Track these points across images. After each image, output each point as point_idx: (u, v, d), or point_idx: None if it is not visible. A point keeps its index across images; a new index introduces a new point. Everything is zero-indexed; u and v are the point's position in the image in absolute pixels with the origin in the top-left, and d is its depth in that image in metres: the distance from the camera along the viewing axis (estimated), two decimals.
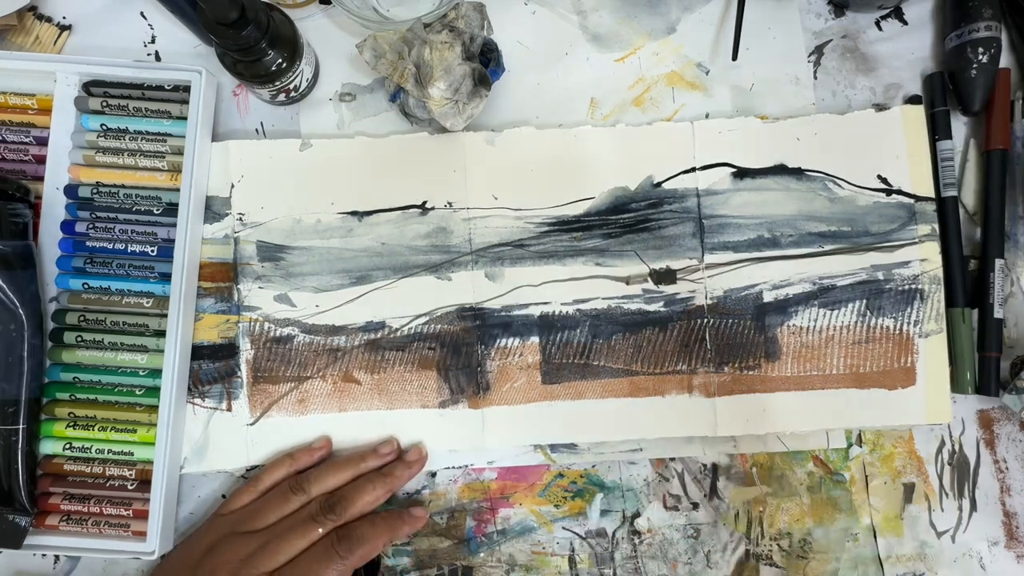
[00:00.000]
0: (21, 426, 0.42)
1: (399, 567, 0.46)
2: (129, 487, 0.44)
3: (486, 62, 0.46)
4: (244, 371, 0.46)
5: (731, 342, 0.46)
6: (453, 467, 0.46)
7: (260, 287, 0.46)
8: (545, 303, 0.46)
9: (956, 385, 0.46)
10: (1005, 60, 0.48)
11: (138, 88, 0.46)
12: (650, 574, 0.46)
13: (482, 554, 0.46)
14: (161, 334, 0.44)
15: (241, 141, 0.47)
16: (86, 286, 0.45)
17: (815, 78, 0.49)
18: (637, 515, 0.46)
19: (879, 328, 0.46)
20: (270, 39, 0.41)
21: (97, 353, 0.45)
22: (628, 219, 0.47)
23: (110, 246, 0.45)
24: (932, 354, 0.46)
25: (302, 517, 0.41)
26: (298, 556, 0.40)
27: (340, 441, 0.46)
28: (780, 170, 0.47)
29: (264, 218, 0.46)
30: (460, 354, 0.46)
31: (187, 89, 0.45)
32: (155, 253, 0.45)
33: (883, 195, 0.47)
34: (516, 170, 0.47)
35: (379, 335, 0.46)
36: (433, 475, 0.46)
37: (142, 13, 0.49)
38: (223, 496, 0.46)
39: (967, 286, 0.46)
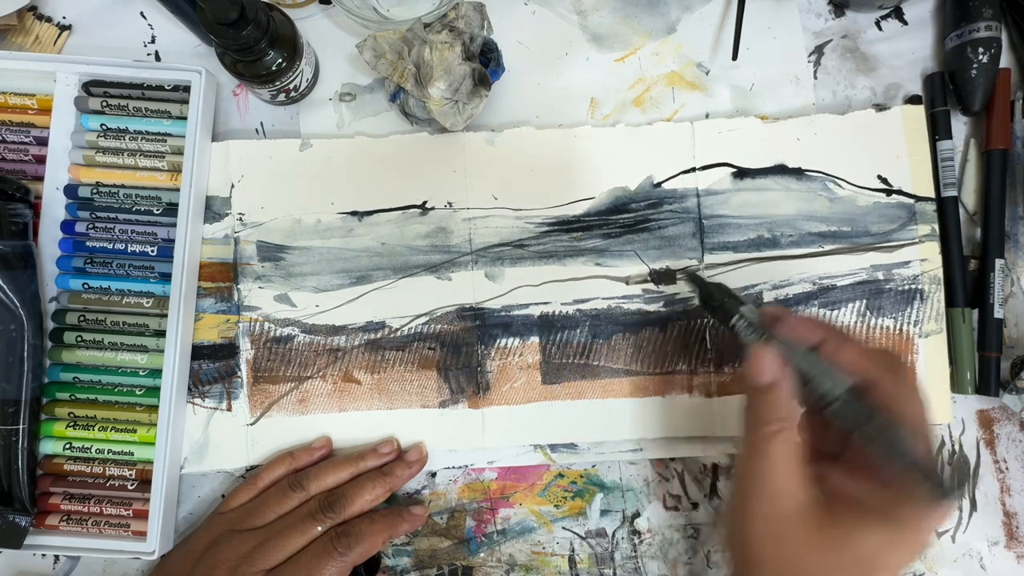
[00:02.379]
0: (21, 426, 0.42)
1: (399, 567, 0.46)
2: (129, 487, 0.44)
3: (486, 62, 0.46)
4: (244, 371, 0.46)
5: (731, 342, 0.46)
6: (453, 467, 0.46)
7: (260, 287, 0.46)
8: (545, 303, 0.46)
9: (956, 385, 0.46)
10: (1005, 60, 0.48)
11: (138, 88, 0.46)
12: (650, 574, 0.46)
13: (482, 554, 0.46)
14: (161, 334, 0.44)
15: (241, 141, 0.47)
16: (86, 286, 0.45)
17: (815, 78, 0.49)
18: (637, 515, 0.46)
19: (879, 328, 0.46)
20: (270, 39, 0.41)
21: (97, 353, 0.45)
22: (628, 219, 0.47)
23: (110, 246, 0.45)
24: (932, 354, 0.46)
25: (301, 515, 0.41)
26: (297, 554, 0.40)
27: (340, 441, 0.46)
28: (780, 170, 0.47)
29: (264, 218, 0.46)
30: (460, 354, 0.46)
31: (187, 89, 0.45)
32: (155, 253, 0.45)
33: (883, 195, 0.47)
34: (516, 170, 0.47)
35: (379, 335, 0.46)
36: (433, 475, 0.46)
37: (142, 13, 0.49)
38: (223, 496, 0.46)
39: (967, 286, 0.46)
